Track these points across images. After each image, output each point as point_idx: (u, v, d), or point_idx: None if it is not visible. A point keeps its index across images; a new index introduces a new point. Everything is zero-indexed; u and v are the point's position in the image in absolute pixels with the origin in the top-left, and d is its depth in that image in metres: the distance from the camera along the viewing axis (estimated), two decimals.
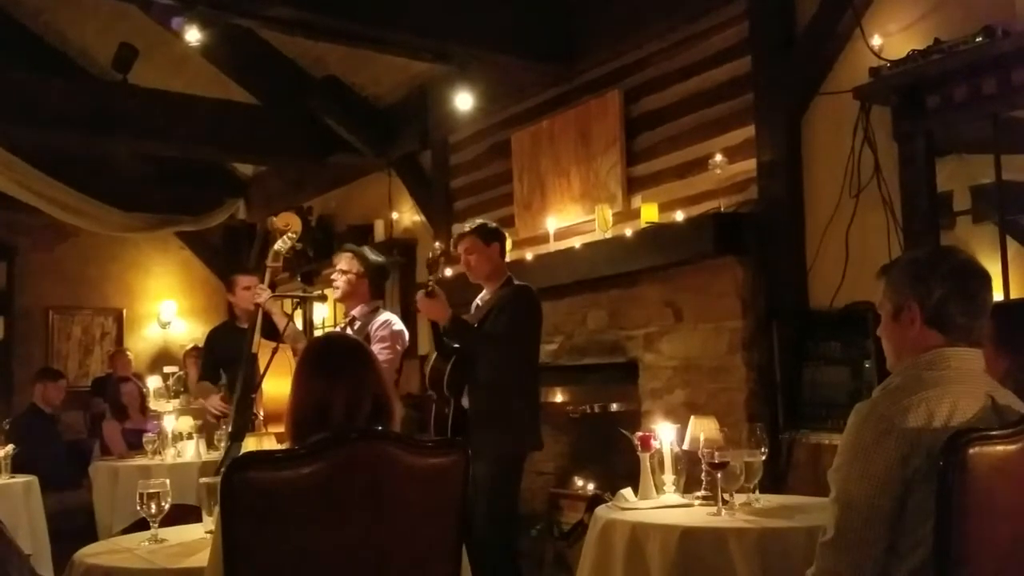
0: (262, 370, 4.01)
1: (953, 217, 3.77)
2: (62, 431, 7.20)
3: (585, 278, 4.99)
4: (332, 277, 4.34)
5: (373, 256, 4.44)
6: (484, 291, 4.23)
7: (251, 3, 4.82)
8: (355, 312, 4.32)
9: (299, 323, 4.66)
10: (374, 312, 4.31)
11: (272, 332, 4.46)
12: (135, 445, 5.80)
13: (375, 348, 4.08)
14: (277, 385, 3.88)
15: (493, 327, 3.99)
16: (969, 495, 1.75)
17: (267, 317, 4.55)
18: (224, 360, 5.20)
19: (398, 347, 4.20)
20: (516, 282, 4.18)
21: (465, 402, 4.03)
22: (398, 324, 4.27)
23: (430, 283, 4.12)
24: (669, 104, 4.99)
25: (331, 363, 2.16)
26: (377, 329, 4.19)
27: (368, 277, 4.32)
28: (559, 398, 5.53)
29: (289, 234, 4.56)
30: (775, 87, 4.36)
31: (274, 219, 4.72)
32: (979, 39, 3.42)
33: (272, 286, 4.66)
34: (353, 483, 1.90)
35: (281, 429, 2.67)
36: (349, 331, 4.24)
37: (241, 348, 4.49)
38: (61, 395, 6.90)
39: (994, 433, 1.80)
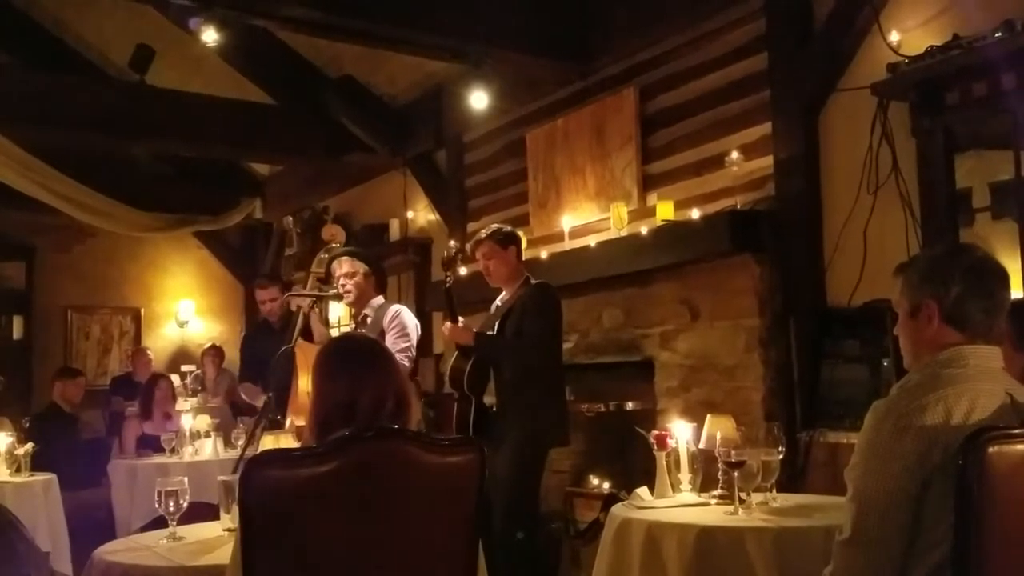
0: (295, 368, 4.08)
1: (972, 214, 3.74)
2: (81, 429, 7.25)
3: (600, 276, 4.98)
4: (340, 284, 4.33)
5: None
6: (503, 292, 4.27)
7: (268, 3, 4.84)
8: (365, 310, 4.35)
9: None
10: (383, 306, 4.34)
11: (306, 335, 4.53)
12: (155, 444, 5.79)
13: (389, 339, 4.11)
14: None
15: (517, 329, 4.01)
16: (988, 493, 1.74)
17: (306, 319, 4.64)
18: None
19: (411, 335, 4.23)
20: (533, 281, 4.20)
21: (487, 399, 4.06)
22: (409, 314, 4.32)
23: (448, 277, 4.17)
24: (685, 101, 4.98)
25: (356, 362, 2.17)
26: (390, 322, 4.22)
27: (374, 275, 4.36)
28: (574, 397, 5.53)
29: (333, 244, 4.67)
30: (792, 84, 4.33)
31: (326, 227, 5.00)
32: (998, 34, 3.39)
33: (288, 285, 4.72)
34: (370, 481, 1.91)
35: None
36: (361, 330, 4.26)
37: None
38: (80, 393, 6.95)
39: (1014, 431, 1.78)
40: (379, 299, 4.40)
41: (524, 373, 4.01)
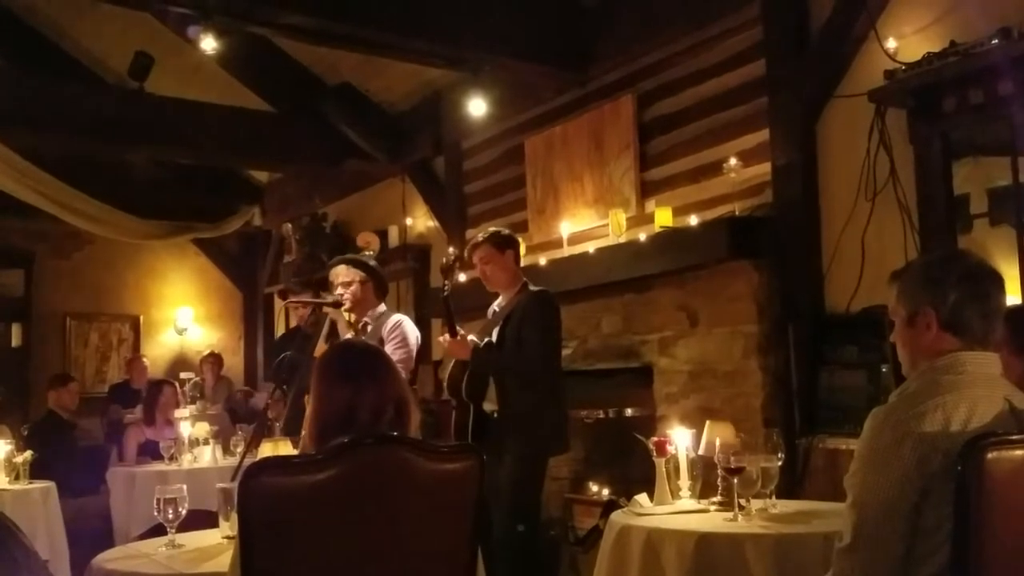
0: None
1: (970, 220, 3.74)
2: (79, 437, 7.24)
3: (599, 283, 4.98)
4: (338, 292, 4.32)
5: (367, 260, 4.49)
6: (500, 297, 4.25)
7: (266, 11, 4.84)
8: (365, 318, 4.34)
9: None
10: (383, 315, 4.33)
11: (335, 339, 4.51)
12: (154, 451, 5.79)
13: (388, 349, 4.09)
14: None
15: (516, 337, 4.00)
16: (988, 499, 1.74)
17: (333, 325, 4.62)
18: None
19: (411, 346, 4.22)
20: (532, 287, 4.19)
21: (487, 406, 4.05)
22: (409, 324, 4.30)
23: (446, 285, 4.17)
24: (683, 108, 4.99)
25: (355, 369, 2.15)
26: (389, 331, 4.21)
27: (372, 281, 4.35)
28: (573, 403, 5.52)
29: (367, 251, 4.66)
30: (790, 90, 4.34)
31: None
32: (995, 41, 3.40)
33: (283, 293, 4.71)
34: (369, 488, 1.90)
35: None
36: (361, 338, 4.25)
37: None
38: (75, 399, 6.94)
39: (1013, 437, 1.78)
40: (380, 307, 4.38)
41: (524, 380, 4.01)
